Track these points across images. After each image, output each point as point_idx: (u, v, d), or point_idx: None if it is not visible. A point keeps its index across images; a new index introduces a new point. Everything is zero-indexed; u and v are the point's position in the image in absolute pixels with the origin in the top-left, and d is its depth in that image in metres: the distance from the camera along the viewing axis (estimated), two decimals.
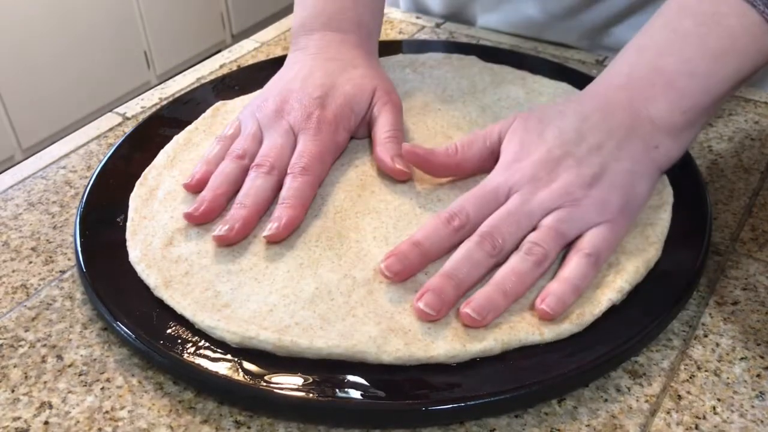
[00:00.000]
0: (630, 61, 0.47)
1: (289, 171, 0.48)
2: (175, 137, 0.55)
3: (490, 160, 0.47)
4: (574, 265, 0.41)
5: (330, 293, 0.42)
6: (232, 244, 0.45)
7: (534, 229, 0.42)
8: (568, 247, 0.43)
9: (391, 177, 0.49)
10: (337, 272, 0.43)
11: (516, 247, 0.42)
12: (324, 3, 0.58)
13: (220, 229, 0.45)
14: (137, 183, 0.51)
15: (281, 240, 0.45)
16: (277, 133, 0.50)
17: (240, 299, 0.41)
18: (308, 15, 0.58)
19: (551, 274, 0.42)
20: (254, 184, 0.47)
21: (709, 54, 0.44)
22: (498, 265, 0.42)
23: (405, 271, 0.41)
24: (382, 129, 0.51)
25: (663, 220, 0.45)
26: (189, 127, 0.56)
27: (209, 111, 0.58)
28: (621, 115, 0.45)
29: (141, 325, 0.40)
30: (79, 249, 0.45)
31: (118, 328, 0.40)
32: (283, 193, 0.47)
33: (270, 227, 0.45)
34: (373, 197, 0.48)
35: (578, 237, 0.43)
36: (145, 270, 0.43)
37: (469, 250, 0.41)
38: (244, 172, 0.48)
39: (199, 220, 0.46)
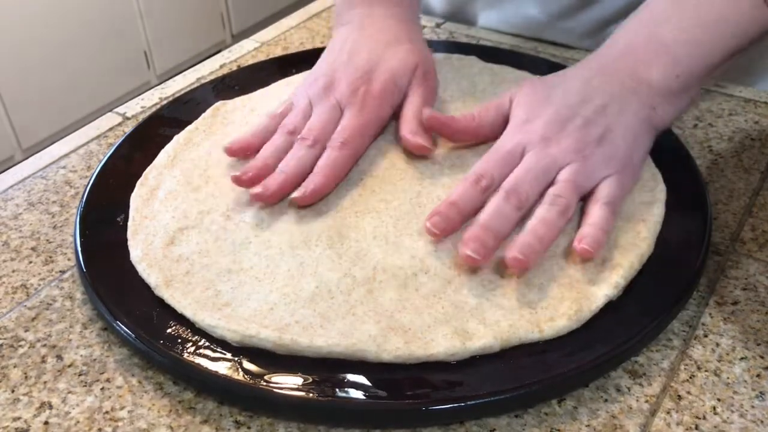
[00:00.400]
0: (631, 30, 0.51)
1: (328, 144, 0.50)
2: (176, 137, 0.55)
3: (503, 125, 0.50)
4: (596, 213, 0.44)
5: (330, 292, 0.42)
6: (265, 203, 0.47)
7: (552, 183, 0.46)
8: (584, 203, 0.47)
9: (392, 175, 0.50)
10: (337, 271, 0.43)
11: (537, 201, 0.45)
12: None
13: (257, 187, 0.47)
14: (138, 183, 0.51)
15: (307, 205, 0.47)
16: (324, 108, 0.52)
17: (240, 298, 0.41)
18: None
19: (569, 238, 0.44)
20: (296, 155, 0.49)
21: (704, 23, 0.48)
22: (523, 218, 0.45)
23: (448, 228, 0.45)
24: (410, 108, 0.53)
25: (655, 216, 0.46)
26: (189, 127, 0.56)
27: (209, 111, 0.58)
28: (622, 78, 0.49)
29: (141, 325, 0.40)
30: (79, 249, 0.45)
31: (118, 328, 0.40)
32: (319, 163, 0.49)
33: (298, 190, 0.47)
34: (374, 197, 0.48)
35: (592, 190, 0.46)
36: (146, 269, 0.43)
37: (498, 205, 0.44)
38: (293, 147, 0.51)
39: (246, 185, 0.48)
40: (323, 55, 0.57)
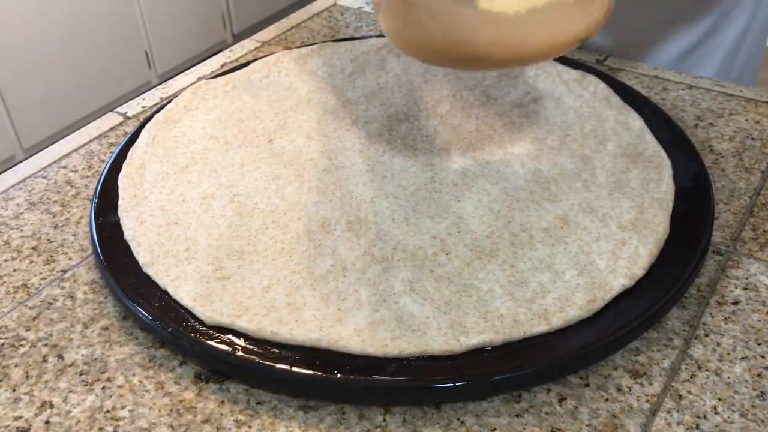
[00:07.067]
0: None
1: None
2: (156, 116, 0.56)
3: None
4: None
5: (345, 269, 0.42)
6: None
7: None
8: None
9: (399, 161, 0.50)
10: (356, 250, 0.43)
11: None
12: None
13: None
14: (124, 163, 0.52)
15: None
16: None
17: (243, 274, 0.42)
18: None
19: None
20: None
21: None
22: None
23: None
24: None
25: (666, 194, 0.47)
26: (168, 105, 0.57)
27: (189, 89, 0.59)
28: None
29: (162, 312, 0.41)
30: (95, 238, 0.46)
31: (141, 315, 0.41)
32: None
33: None
34: (386, 182, 0.48)
35: None
36: (137, 248, 0.44)
37: None
38: None
39: None
40: None
